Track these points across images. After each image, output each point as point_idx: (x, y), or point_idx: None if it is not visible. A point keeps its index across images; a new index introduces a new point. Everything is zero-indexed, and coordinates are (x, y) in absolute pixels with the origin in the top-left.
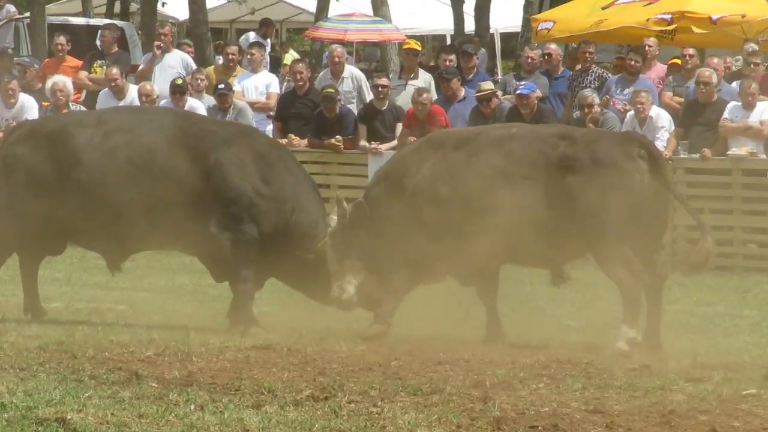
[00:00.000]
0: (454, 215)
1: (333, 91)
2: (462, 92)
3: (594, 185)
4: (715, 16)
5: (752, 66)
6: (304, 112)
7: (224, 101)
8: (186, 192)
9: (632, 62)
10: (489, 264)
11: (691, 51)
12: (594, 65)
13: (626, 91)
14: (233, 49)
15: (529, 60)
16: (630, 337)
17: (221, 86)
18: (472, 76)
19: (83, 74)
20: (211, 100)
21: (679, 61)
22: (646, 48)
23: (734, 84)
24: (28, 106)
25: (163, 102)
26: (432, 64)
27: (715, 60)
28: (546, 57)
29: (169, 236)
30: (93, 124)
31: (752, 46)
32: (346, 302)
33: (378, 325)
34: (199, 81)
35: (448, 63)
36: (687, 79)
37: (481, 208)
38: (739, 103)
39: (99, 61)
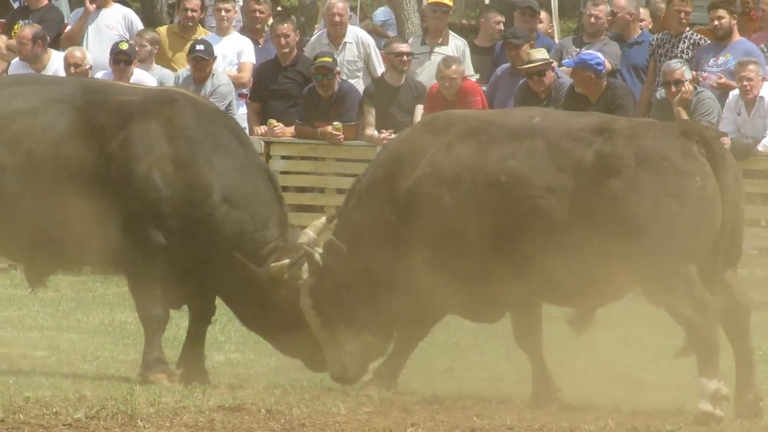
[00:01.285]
0: (461, 233)
1: (330, 60)
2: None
3: (643, 193)
4: None
5: None
6: (291, 88)
7: (201, 67)
8: (94, 182)
9: (722, 20)
10: (520, 299)
11: None
12: (687, 28)
13: (719, 59)
14: (194, 3)
15: (593, 20)
16: (711, 390)
17: (199, 47)
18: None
19: (2, 40)
20: (164, 73)
21: None
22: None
23: None
24: None
25: (100, 74)
26: (464, 22)
27: None
28: (625, 16)
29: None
30: None
31: None
32: (352, 380)
33: (376, 387)
34: (146, 45)
35: (495, 27)
36: None
37: (495, 228)
38: None
39: (22, 21)
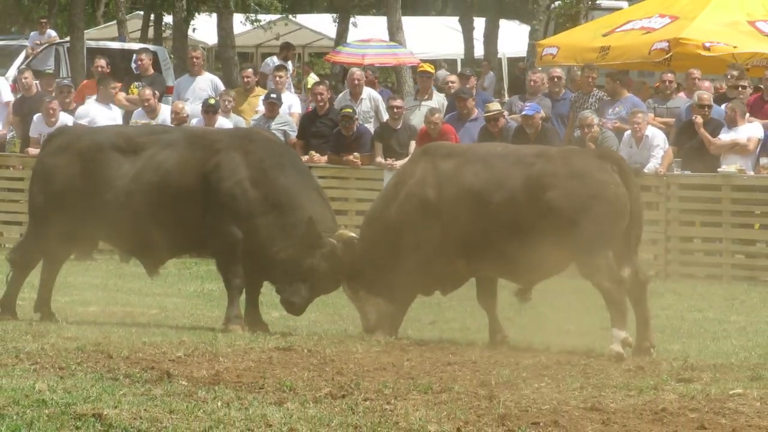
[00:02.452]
0: (443, 230)
1: (351, 111)
2: (475, 112)
3: (573, 198)
4: (707, 44)
5: (739, 89)
6: (324, 130)
7: (273, 108)
8: (194, 196)
9: (619, 84)
10: (480, 270)
11: (670, 76)
12: (595, 89)
13: (615, 110)
14: (249, 72)
15: (533, 83)
16: (622, 338)
17: (273, 95)
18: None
19: (122, 95)
20: (238, 119)
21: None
22: (665, 81)
23: (723, 106)
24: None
25: (194, 121)
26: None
27: (707, 83)
28: (554, 80)
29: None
30: (116, 135)
31: (734, 72)
32: (372, 331)
33: (382, 334)
34: (227, 102)
35: (450, 85)
36: (665, 101)
37: (470, 220)
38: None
39: (136, 83)
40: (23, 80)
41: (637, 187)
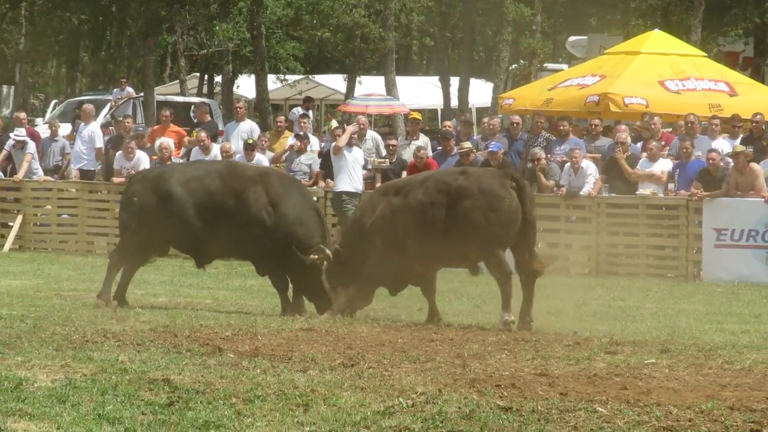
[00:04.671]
0: (402, 239)
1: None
2: (455, 149)
3: (480, 208)
4: (627, 99)
5: (652, 129)
6: None
7: (303, 145)
8: (232, 216)
9: (562, 127)
10: (426, 271)
11: (597, 122)
12: (543, 131)
13: (561, 147)
14: (280, 118)
15: (490, 126)
16: (506, 319)
17: (301, 132)
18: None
19: (186, 138)
20: (270, 155)
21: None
22: (593, 125)
23: (638, 144)
24: (143, 159)
25: (237, 156)
26: (427, 128)
27: (623, 126)
28: (513, 125)
29: (231, 247)
30: (180, 170)
31: (646, 119)
32: (344, 315)
33: (330, 314)
34: (263, 141)
35: (446, 127)
36: (594, 141)
37: (416, 231)
38: (645, 158)
39: (197, 129)
40: (111, 128)
41: (532, 200)
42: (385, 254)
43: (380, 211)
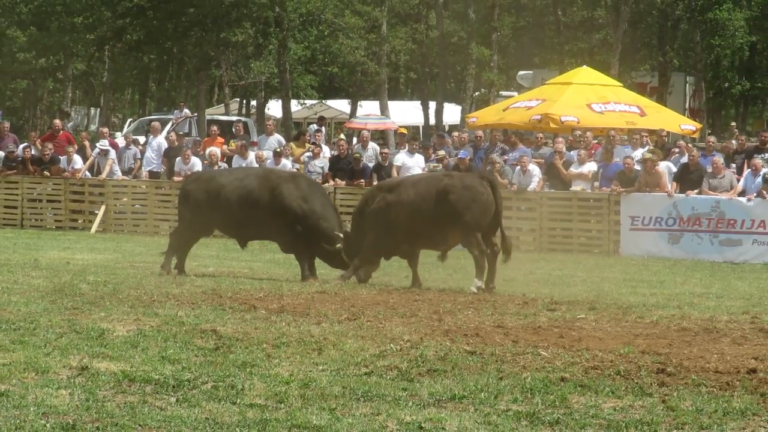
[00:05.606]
0: (393, 225)
1: (359, 155)
2: (432, 156)
3: (463, 200)
4: (563, 118)
5: (585, 140)
6: (344, 166)
7: (318, 152)
8: (267, 209)
9: (514, 139)
10: (412, 250)
11: (540, 135)
12: (499, 142)
13: (513, 154)
14: (305, 130)
15: (459, 139)
16: (478, 285)
17: (318, 141)
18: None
19: (225, 147)
20: (289, 161)
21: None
22: (537, 138)
23: (573, 152)
24: (196, 163)
25: (268, 162)
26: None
27: (560, 138)
28: (477, 138)
29: (263, 231)
30: (225, 174)
31: (578, 133)
32: (361, 281)
33: (341, 279)
34: (287, 150)
35: (416, 146)
36: (538, 149)
37: (406, 220)
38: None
39: (234, 140)
40: (170, 138)
41: (500, 196)
42: (378, 236)
43: (376, 203)
